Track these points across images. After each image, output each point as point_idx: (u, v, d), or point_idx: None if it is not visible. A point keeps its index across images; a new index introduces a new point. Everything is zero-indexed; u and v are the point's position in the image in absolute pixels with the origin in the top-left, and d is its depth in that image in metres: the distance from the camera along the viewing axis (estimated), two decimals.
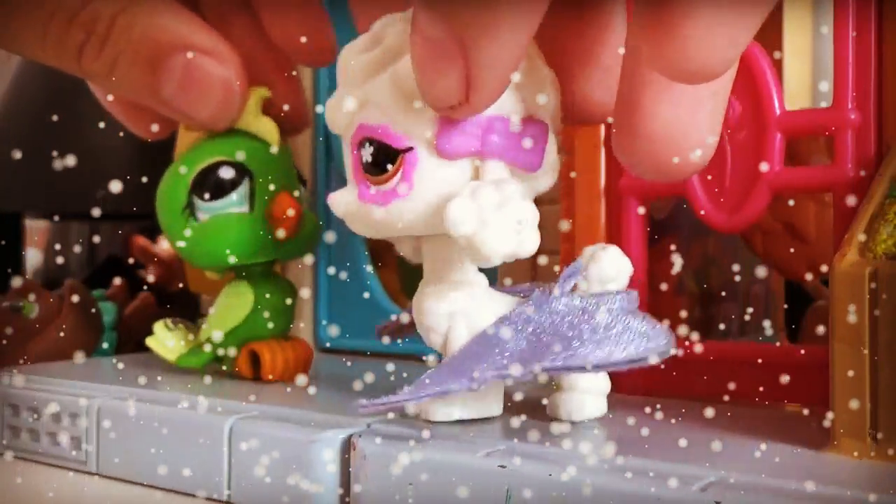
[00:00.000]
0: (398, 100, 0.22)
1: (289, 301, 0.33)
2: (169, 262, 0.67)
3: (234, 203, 0.31)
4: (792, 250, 0.38)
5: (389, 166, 0.22)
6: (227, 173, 0.31)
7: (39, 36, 0.27)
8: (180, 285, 0.63)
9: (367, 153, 0.23)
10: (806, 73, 0.43)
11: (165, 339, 0.33)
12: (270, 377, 0.31)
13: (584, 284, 0.24)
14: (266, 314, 0.32)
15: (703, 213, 0.29)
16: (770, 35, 0.41)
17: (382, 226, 0.23)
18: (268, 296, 0.32)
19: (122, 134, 0.33)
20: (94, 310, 0.44)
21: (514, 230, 0.21)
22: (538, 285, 0.24)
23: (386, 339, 0.29)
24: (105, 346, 0.45)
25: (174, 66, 0.28)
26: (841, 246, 0.23)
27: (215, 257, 0.31)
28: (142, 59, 0.28)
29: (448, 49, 0.18)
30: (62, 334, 0.41)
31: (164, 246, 0.68)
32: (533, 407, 0.26)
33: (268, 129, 0.31)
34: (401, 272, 0.46)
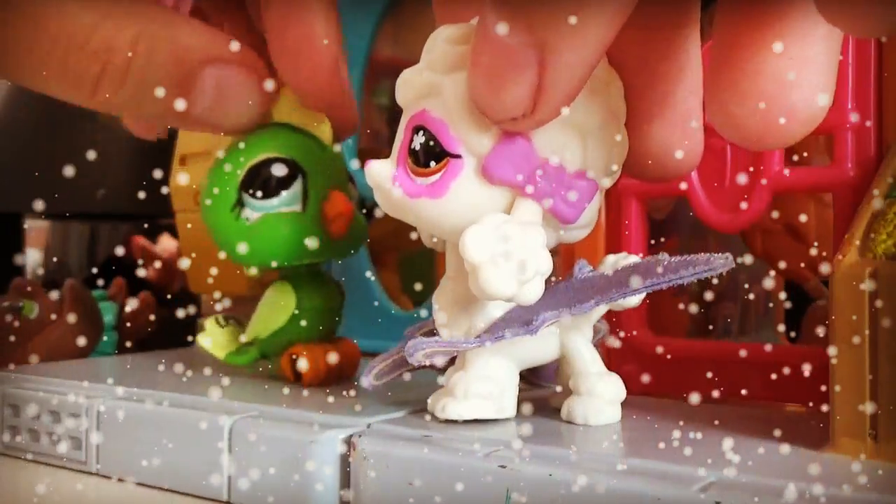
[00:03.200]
0: (467, 105, 0.21)
1: (335, 302, 0.32)
2: (169, 262, 0.67)
3: (287, 202, 0.29)
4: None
5: (433, 163, 0.22)
6: (279, 171, 0.29)
7: (39, 65, 0.26)
8: (180, 285, 0.63)
9: (418, 140, 0.23)
10: None
11: (216, 337, 0.32)
12: (307, 384, 0.30)
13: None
14: (309, 316, 0.31)
15: (702, 213, 0.29)
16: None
17: (403, 213, 0.23)
18: (312, 298, 0.31)
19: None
20: (94, 310, 0.44)
21: (519, 279, 0.21)
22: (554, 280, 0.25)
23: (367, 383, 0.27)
24: (105, 346, 0.45)
25: (205, 83, 0.27)
26: (841, 246, 0.23)
27: (266, 257, 0.30)
28: (168, 84, 0.26)
29: (523, 56, 0.18)
30: (62, 334, 0.41)
31: (164, 246, 0.68)
32: (543, 409, 0.26)
33: (321, 124, 0.30)
34: (401, 273, 0.46)
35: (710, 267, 0.23)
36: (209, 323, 0.32)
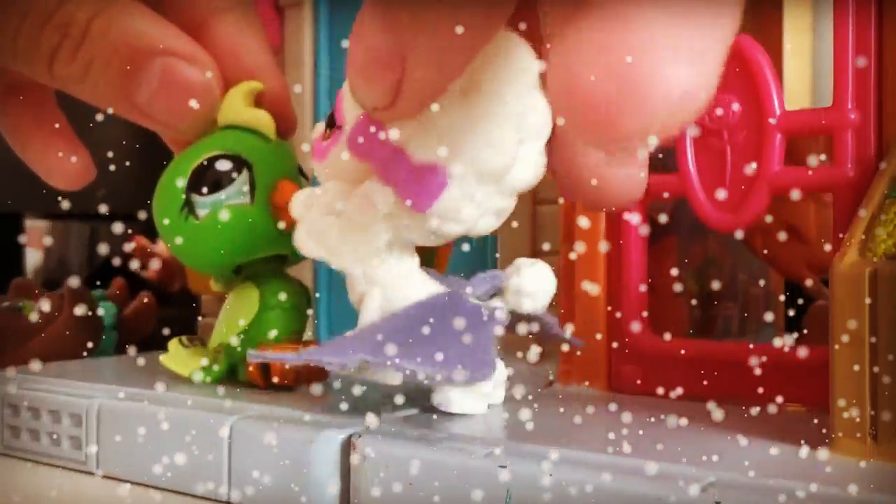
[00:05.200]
0: None
1: (300, 302, 0.32)
2: (169, 262, 0.67)
3: (234, 195, 0.30)
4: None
5: (328, 130, 0.25)
6: (223, 165, 0.29)
7: (10, 40, 0.27)
8: (180, 285, 0.63)
9: (333, 107, 0.25)
10: (806, 73, 0.43)
11: (180, 357, 0.32)
12: (276, 380, 0.30)
13: (505, 295, 0.25)
14: (275, 315, 0.31)
15: (702, 213, 0.29)
16: (770, 35, 0.41)
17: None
18: (276, 296, 0.31)
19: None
20: (94, 310, 0.44)
21: (325, 245, 0.24)
22: (468, 280, 0.25)
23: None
24: (105, 346, 0.45)
25: (151, 72, 0.27)
26: (841, 246, 0.23)
27: (219, 254, 0.30)
28: (117, 65, 0.27)
29: (386, 59, 0.19)
30: (62, 334, 0.41)
31: (164, 246, 0.68)
32: (543, 409, 0.26)
33: (263, 119, 0.30)
34: None
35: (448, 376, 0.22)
36: (172, 344, 0.32)
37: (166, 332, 0.33)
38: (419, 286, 0.25)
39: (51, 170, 0.31)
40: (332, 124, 0.25)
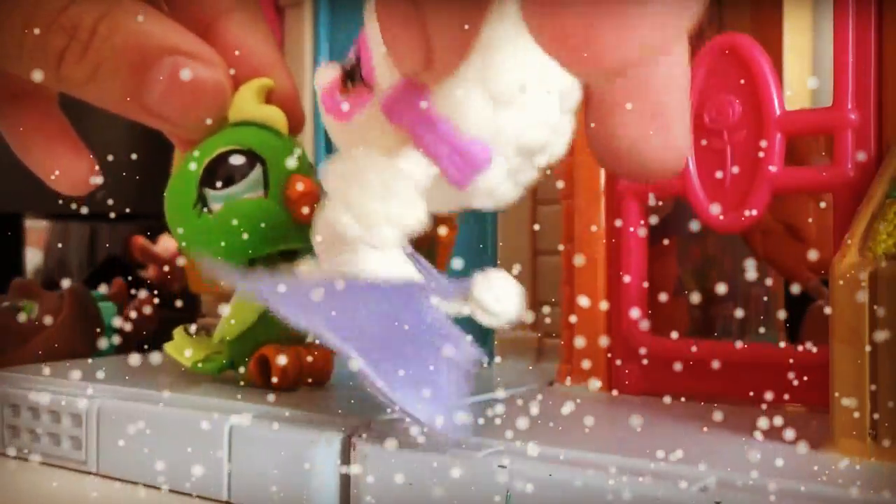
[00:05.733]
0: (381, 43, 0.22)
1: None
2: (169, 262, 0.67)
3: (248, 189, 0.29)
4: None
5: (350, 84, 0.23)
6: (237, 160, 0.29)
7: (17, 44, 0.26)
8: (180, 285, 0.63)
9: (350, 60, 0.23)
10: (806, 73, 0.43)
11: (183, 346, 0.32)
12: (275, 380, 0.30)
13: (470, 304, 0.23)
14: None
15: (703, 213, 0.29)
16: (770, 35, 0.41)
17: (324, 122, 0.24)
18: None
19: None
20: (94, 310, 0.44)
21: (365, 221, 0.21)
22: (441, 275, 0.25)
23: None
24: (105, 346, 0.45)
25: (160, 72, 0.27)
26: (841, 246, 0.23)
27: (233, 249, 0.29)
28: (125, 66, 0.27)
29: (409, 19, 0.18)
30: (62, 334, 0.41)
31: (164, 246, 0.68)
32: (543, 409, 0.26)
33: (275, 115, 0.30)
34: None
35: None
36: (177, 332, 0.32)
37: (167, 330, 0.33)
38: (399, 265, 0.24)
39: (57, 176, 0.31)
40: (352, 77, 0.23)
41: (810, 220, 0.38)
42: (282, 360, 0.29)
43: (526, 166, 0.23)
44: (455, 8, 0.18)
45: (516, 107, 0.22)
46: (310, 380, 0.31)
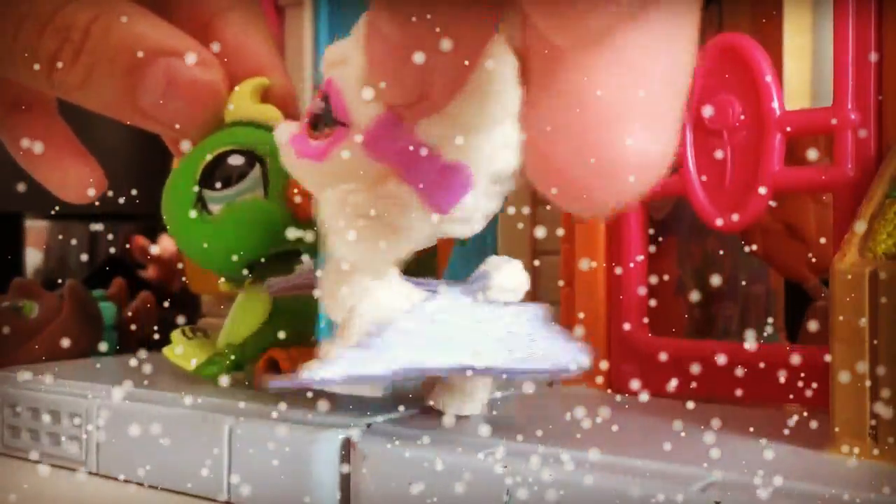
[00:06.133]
0: (361, 78, 0.22)
1: (311, 307, 0.31)
2: (169, 262, 0.67)
3: (248, 189, 0.29)
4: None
5: (325, 129, 0.23)
6: (236, 160, 0.29)
7: (8, 48, 0.26)
8: (180, 285, 0.63)
9: (315, 106, 0.23)
10: (806, 73, 0.43)
11: (183, 349, 0.31)
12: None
13: (486, 293, 0.25)
14: (285, 320, 0.30)
15: (703, 213, 0.29)
16: (770, 35, 0.41)
17: (295, 172, 0.25)
18: (287, 300, 0.30)
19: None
20: (94, 310, 0.44)
21: (366, 247, 0.22)
22: (446, 282, 0.25)
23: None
24: (105, 346, 0.45)
25: (155, 74, 0.27)
26: (841, 246, 0.23)
27: (233, 250, 0.29)
28: (119, 69, 0.26)
29: (408, 54, 0.18)
30: (62, 334, 0.41)
31: (164, 246, 0.68)
32: (543, 410, 0.26)
33: (273, 114, 0.30)
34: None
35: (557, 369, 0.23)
36: (176, 335, 0.32)
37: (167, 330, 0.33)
38: (408, 292, 0.24)
39: (62, 185, 0.31)
40: (326, 122, 0.24)
41: (810, 219, 0.38)
42: (292, 363, 0.29)
43: (493, 192, 0.23)
44: (459, 44, 0.18)
45: (488, 132, 0.22)
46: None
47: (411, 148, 0.22)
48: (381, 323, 0.23)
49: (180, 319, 0.32)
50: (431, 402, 0.26)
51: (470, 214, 0.23)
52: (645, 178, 0.17)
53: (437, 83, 0.19)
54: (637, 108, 0.16)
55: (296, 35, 0.44)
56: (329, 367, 0.22)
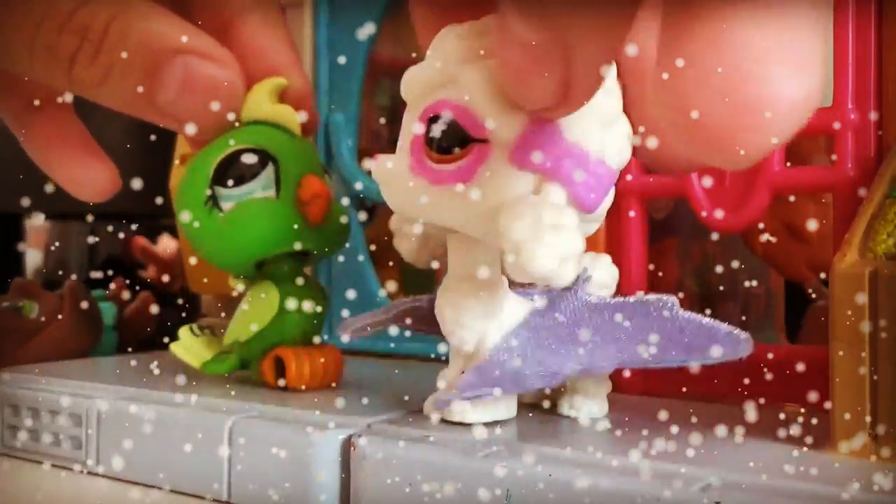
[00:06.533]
0: (491, 92, 0.21)
1: (319, 306, 0.31)
2: (169, 262, 0.67)
3: (260, 188, 0.29)
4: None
5: (457, 150, 0.22)
6: (249, 159, 0.29)
7: (27, 46, 0.26)
8: (180, 286, 0.63)
9: (438, 128, 0.22)
10: None
11: (191, 345, 0.31)
12: (302, 386, 0.30)
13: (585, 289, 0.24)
14: (293, 319, 0.30)
15: (703, 213, 0.29)
16: None
17: (419, 206, 0.22)
18: (295, 298, 0.30)
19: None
20: (94, 310, 0.44)
21: (560, 257, 0.20)
22: (547, 288, 0.24)
23: (346, 337, 0.28)
24: (105, 346, 0.45)
25: (174, 72, 0.27)
26: (841, 246, 0.23)
27: (243, 248, 0.29)
28: (138, 67, 0.27)
29: (546, 53, 0.18)
30: (62, 334, 0.41)
31: (164, 246, 0.68)
32: (543, 410, 0.26)
33: (288, 115, 0.30)
34: (403, 275, 0.46)
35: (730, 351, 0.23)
36: (183, 332, 0.32)
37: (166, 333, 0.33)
38: (521, 301, 0.24)
39: (78, 184, 0.31)
40: (455, 143, 0.22)
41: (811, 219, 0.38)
42: (298, 361, 0.30)
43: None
44: (601, 37, 0.17)
45: (616, 127, 0.22)
46: (323, 379, 0.30)
47: (564, 147, 0.21)
48: (508, 335, 0.23)
49: (178, 322, 0.33)
50: (564, 409, 0.26)
51: (604, 212, 0.23)
52: (790, 122, 0.17)
53: (579, 78, 0.18)
54: (781, 52, 0.16)
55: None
56: (468, 386, 0.23)
